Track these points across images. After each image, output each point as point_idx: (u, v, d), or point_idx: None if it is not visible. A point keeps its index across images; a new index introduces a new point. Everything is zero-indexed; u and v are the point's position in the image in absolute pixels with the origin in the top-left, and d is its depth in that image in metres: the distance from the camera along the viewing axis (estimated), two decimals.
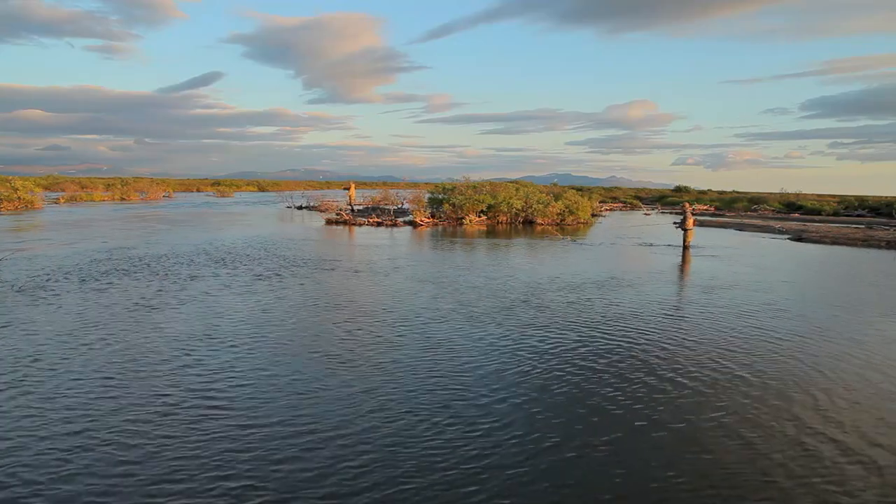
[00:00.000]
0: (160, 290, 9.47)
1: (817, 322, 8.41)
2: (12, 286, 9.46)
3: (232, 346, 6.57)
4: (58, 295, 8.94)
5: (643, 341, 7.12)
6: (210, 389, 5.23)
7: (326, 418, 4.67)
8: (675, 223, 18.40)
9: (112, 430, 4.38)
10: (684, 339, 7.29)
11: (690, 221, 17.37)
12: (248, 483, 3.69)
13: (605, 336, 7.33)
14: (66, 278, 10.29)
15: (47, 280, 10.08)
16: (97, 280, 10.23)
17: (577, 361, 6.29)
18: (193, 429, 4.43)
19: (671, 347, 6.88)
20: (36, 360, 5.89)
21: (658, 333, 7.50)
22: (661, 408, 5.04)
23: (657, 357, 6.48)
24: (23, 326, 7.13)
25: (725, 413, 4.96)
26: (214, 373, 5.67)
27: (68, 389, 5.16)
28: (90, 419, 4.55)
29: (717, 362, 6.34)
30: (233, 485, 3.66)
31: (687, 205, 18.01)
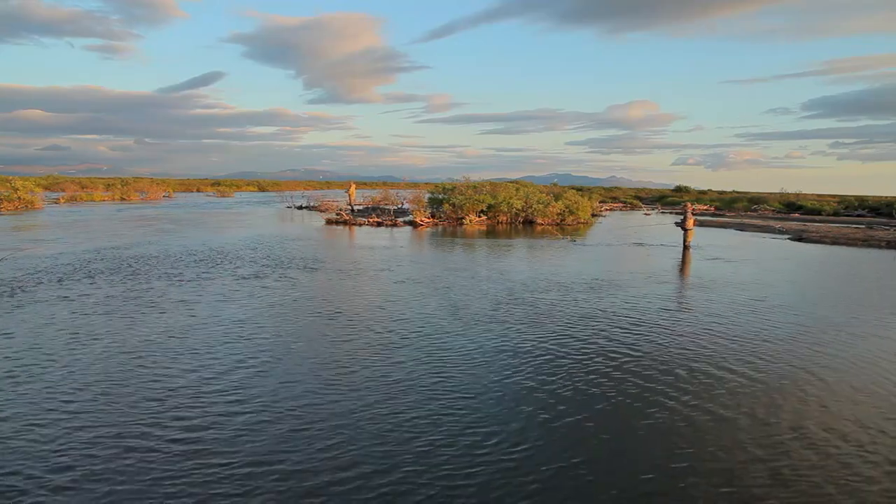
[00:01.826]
0: (159, 292, 9.45)
1: (828, 320, 8.40)
2: (8, 287, 9.45)
3: (225, 350, 6.55)
4: (46, 299, 8.91)
5: (656, 341, 7.10)
6: (200, 402, 5.19)
7: (332, 441, 4.61)
8: (676, 223, 18.42)
9: (82, 461, 4.03)
10: (696, 338, 7.27)
11: (691, 221, 17.35)
12: None
13: (621, 338, 7.31)
14: (59, 280, 10.27)
15: (38, 282, 10.06)
16: (91, 281, 10.22)
17: (593, 365, 6.26)
18: (177, 453, 4.37)
19: (684, 346, 6.87)
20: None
21: (670, 333, 7.48)
22: (691, 408, 5.03)
23: (674, 356, 6.47)
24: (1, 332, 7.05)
25: (762, 415, 4.96)
26: (205, 384, 5.63)
27: (33, 409, 4.82)
28: (59, 448, 4.04)
29: (740, 360, 6.34)
30: None
31: (689, 205, 17.99)
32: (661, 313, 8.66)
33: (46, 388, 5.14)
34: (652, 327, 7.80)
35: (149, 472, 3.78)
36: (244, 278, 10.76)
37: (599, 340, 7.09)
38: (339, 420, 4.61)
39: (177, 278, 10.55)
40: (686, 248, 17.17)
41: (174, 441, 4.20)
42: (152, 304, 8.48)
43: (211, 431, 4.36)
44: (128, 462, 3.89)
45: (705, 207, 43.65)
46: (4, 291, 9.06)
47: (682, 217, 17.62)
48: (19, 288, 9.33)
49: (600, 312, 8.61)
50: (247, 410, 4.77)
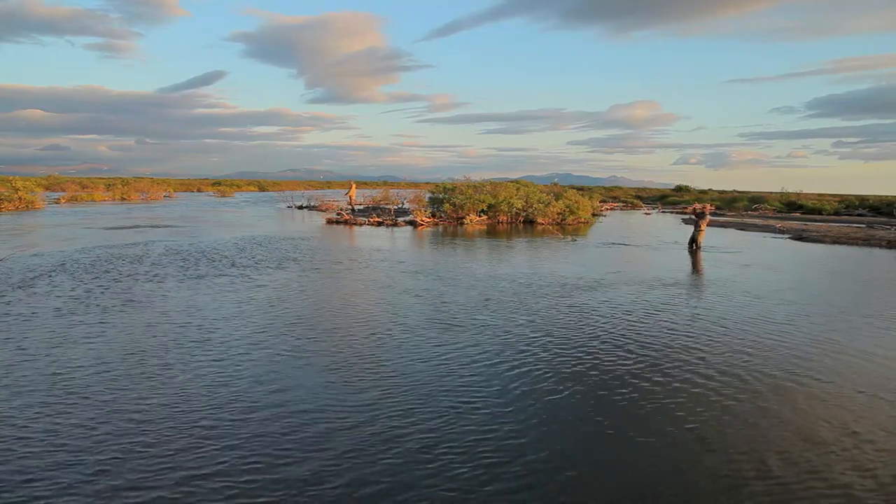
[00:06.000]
0: (147, 290, 9.46)
1: (835, 320, 8.40)
2: (8, 287, 9.45)
3: (220, 350, 6.54)
4: (45, 299, 8.92)
5: (665, 342, 7.09)
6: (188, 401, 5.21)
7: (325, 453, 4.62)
8: (692, 219, 17.91)
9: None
10: (705, 339, 7.27)
11: (704, 223, 17.13)
12: None
13: (629, 339, 7.30)
14: (60, 280, 10.27)
15: (38, 282, 10.07)
16: (90, 280, 10.22)
17: (602, 367, 6.26)
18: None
19: (693, 348, 6.87)
20: None
21: (679, 335, 7.48)
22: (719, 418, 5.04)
23: (686, 358, 6.47)
24: None
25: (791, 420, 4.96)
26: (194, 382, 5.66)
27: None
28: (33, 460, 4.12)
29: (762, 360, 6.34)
30: None
31: (700, 206, 17.81)
32: (668, 314, 8.65)
33: (34, 390, 5.14)
34: (660, 328, 7.79)
35: (135, 474, 3.77)
36: (243, 277, 10.75)
37: (607, 341, 7.09)
38: (336, 426, 4.61)
39: (177, 276, 10.55)
40: (697, 248, 17.04)
41: (166, 447, 4.19)
42: (141, 302, 8.50)
43: (208, 436, 4.37)
44: (114, 462, 3.89)
45: (710, 207, 43.65)
46: (4, 291, 9.07)
47: (694, 217, 17.40)
48: (19, 287, 9.33)
49: (608, 312, 8.60)
50: (240, 415, 4.77)
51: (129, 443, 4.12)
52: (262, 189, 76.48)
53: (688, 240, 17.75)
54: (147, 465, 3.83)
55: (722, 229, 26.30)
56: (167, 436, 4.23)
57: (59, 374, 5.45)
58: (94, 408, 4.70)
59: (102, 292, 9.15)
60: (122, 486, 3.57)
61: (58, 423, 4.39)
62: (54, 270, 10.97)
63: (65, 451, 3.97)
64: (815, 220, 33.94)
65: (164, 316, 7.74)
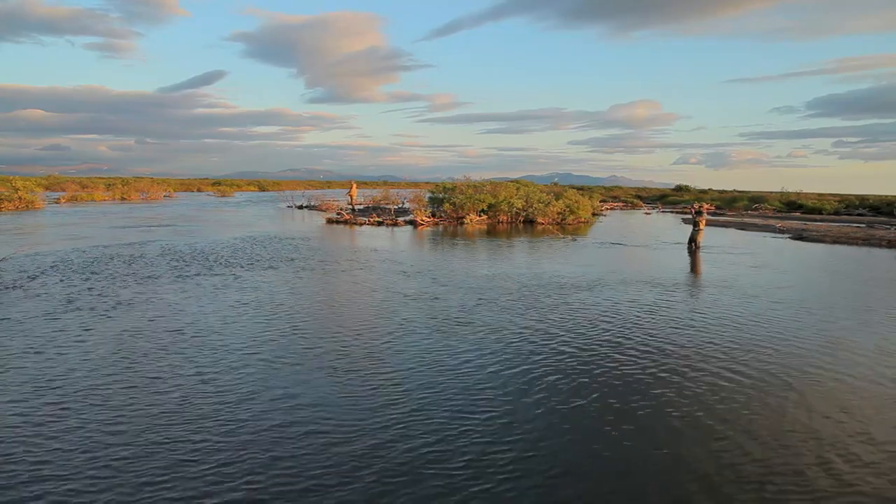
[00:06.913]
0: (143, 292, 9.45)
1: (836, 320, 8.40)
2: (9, 287, 9.45)
3: (215, 354, 6.54)
4: (42, 300, 8.91)
5: (669, 342, 7.09)
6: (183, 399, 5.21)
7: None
8: (693, 222, 17.90)
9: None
10: (708, 339, 7.26)
11: (703, 222, 17.17)
12: None
13: (631, 340, 7.30)
14: (51, 279, 10.27)
15: (37, 282, 10.06)
16: (84, 281, 10.22)
17: (602, 367, 6.25)
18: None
19: (695, 348, 6.87)
20: None
21: (682, 335, 7.48)
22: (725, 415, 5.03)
23: (688, 358, 6.47)
24: None
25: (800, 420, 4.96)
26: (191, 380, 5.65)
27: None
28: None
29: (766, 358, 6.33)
30: None
31: (703, 204, 17.84)
32: (668, 313, 8.65)
33: (24, 395, 5.11)
34: (660, 327, 7.78)
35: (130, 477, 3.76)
36: (241, 278, 10.74)
37: (608, 341, 7.08)
38: (331, 430, 4.61)
39: (176, 276, 10.54)
40: (697, 247, 17.05)
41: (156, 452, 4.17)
42: (136, 304, 8.48)
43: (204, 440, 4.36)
44: (106, 467, 3.87)
45: (708, 206, 43.65)
46: (4, 291, 9.06)
47: (692, 216, 17.45)
48: (17, 288, 9.33)
49: (608, 312, 8.59)
50: (232, 419, 4.76)
51: (114, 450, 4.11)
52: (262, 189, 76.47)
53: (687, 239, 17.75)
54: (132, 470, 3.83)
55: (722, 229, 26.29)
56: (154, 442, 4.23)
57: (47, 378, 5.44)
58: (77, 413, 4.68)
59: (100, 294, 9.15)
60: (107, 490, 3.57)
61: (45, 431, 4.39)
62: (51, 271, 10.96)
63: (49, 458, 3.97)
64: (815, 220, 33.93)
65: (159, 318, 7.73)
